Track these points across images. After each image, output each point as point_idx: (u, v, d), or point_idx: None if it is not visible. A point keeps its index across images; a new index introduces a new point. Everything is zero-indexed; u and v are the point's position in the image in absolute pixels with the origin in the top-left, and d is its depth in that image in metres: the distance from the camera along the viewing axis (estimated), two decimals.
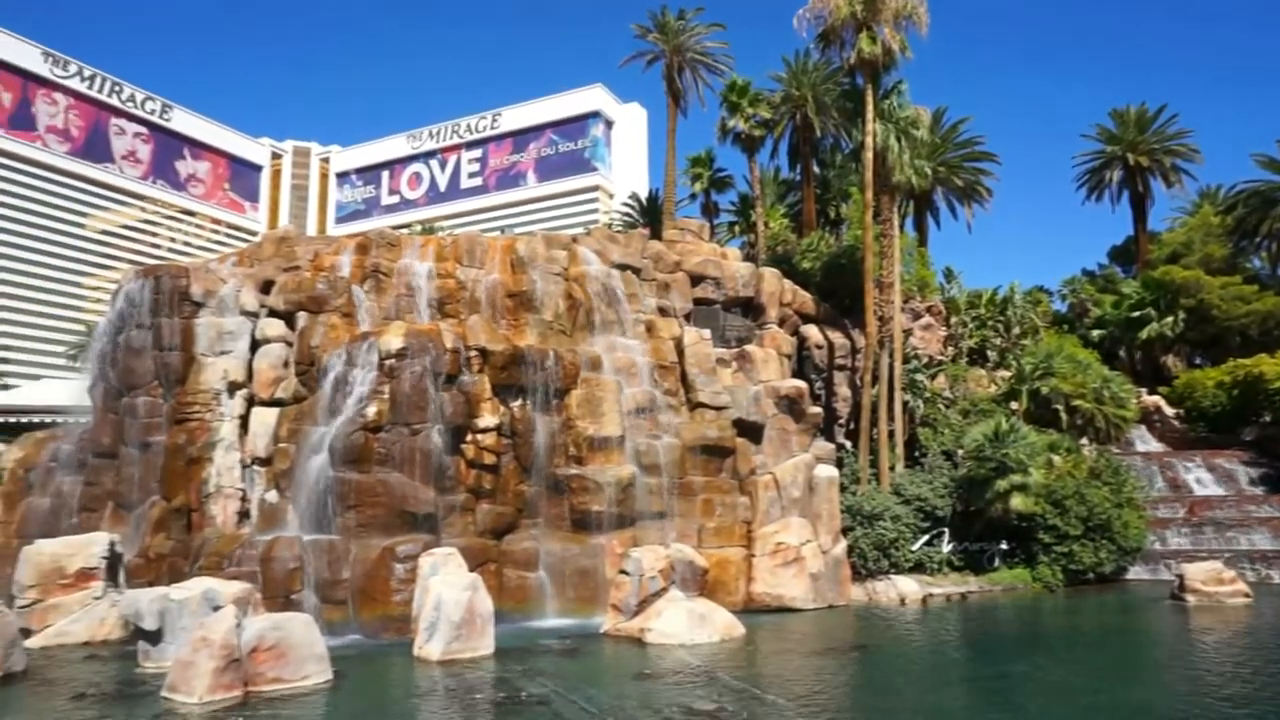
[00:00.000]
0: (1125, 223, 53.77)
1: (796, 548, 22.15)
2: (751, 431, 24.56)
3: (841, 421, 29.99)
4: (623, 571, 18.68)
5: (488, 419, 21.03)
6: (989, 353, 37.26)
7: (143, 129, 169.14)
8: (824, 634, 19.66)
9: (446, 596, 15.80)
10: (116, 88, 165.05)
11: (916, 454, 29.63)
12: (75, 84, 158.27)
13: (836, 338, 30.34)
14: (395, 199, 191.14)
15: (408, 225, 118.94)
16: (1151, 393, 39.03)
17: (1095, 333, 44.56)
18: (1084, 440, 30.37)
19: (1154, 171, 49.76)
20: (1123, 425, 31.42)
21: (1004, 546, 26.56)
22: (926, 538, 25.89)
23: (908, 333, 31.81)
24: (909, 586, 24.30)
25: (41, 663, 15.65)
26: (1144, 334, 42.35)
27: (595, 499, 21.03)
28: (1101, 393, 30.88)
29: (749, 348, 26.87)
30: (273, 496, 21.24)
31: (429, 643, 15.69)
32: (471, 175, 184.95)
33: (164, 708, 12.36)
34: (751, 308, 28.65)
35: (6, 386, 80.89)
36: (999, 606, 23.90)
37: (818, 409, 27.46)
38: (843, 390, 30.06)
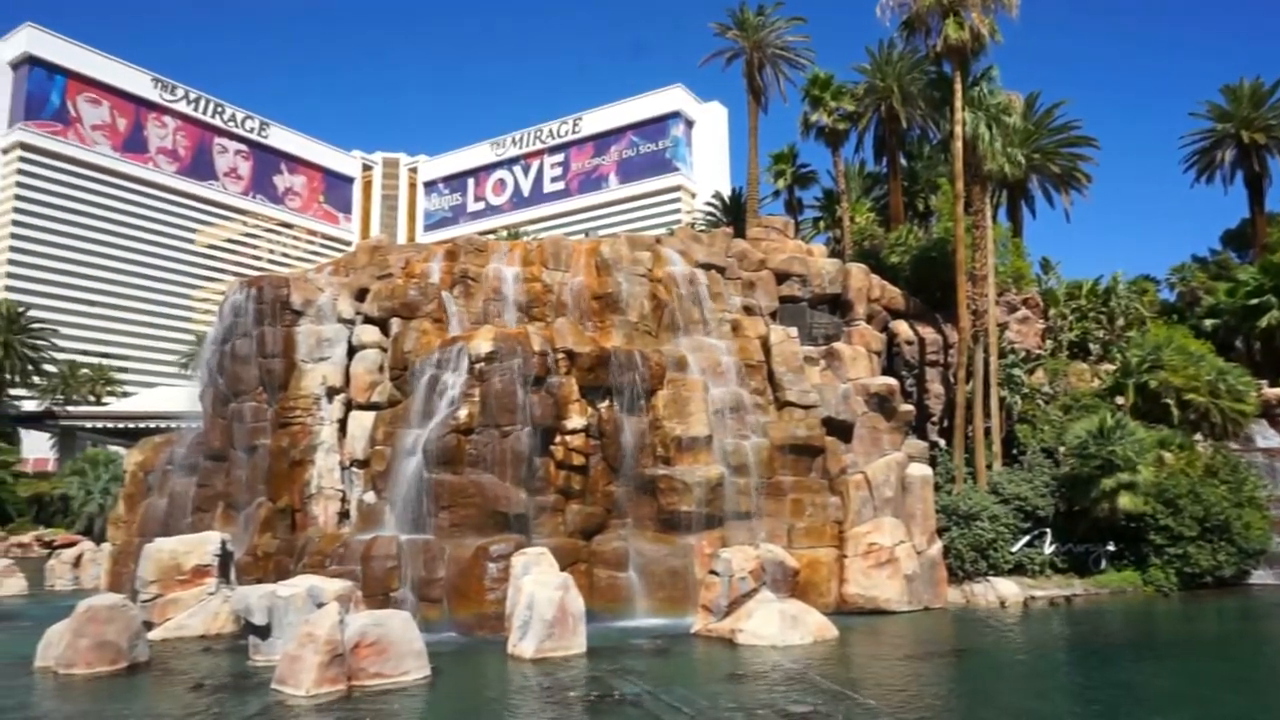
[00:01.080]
0: (1239, 205, 50.59)
1: (890, 548, 21.65)
2: (841, 430, 24.14)
3: (934, 419, 29.17)
4: (712, 572, 18.58)
5: (575, 420, 21.24)
6: (1091, 346, 35.67)
7: (243, 146, 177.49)
8: (920, 637, 19.17)
9: (539, 595, 16.01)
10: (219, 109, 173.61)
11: (1015, 452, 28.60)
12: (182, 107, 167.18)
13: (928, 333, 29.53)
14: (480, 205, 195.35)
15: (493, 231, 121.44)
16: (1273, 385, 36.67)
17: (1208, 322, 42.09)
18: (1198, 436, 28.78)
19: (1271, 149, 46.71)
20: (1241, 420, 29.63)
21: (1111, 548, 25.38)
22: (1027, 538, 24.96)
23: (1003, 326, 30.72)
24: (1009, 589, 23.46)
25: (163, 653, 16.53)
26: (1263, 322, 39.74)
27: (684, 499, 21.00)
28: (1217, 385, 29.22)
29: (837, 345, 26.41)
30: (370, 497, 21.91)
31: (522, 641, 15.92)
32: (554, 179, 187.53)
33: (274, 699, 12.88)
34: (839, 304, 28.14)
35: (126, 394, 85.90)
36: (1107, 611, 22.85)
37: (909, 406, 26.80)
38: (935, 387, 29.24)
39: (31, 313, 76.74)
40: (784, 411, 23.78)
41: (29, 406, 76.38)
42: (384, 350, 23.59)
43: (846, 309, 28.17)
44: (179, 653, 16.97)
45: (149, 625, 17.48)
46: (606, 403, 21.97)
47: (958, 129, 27.79)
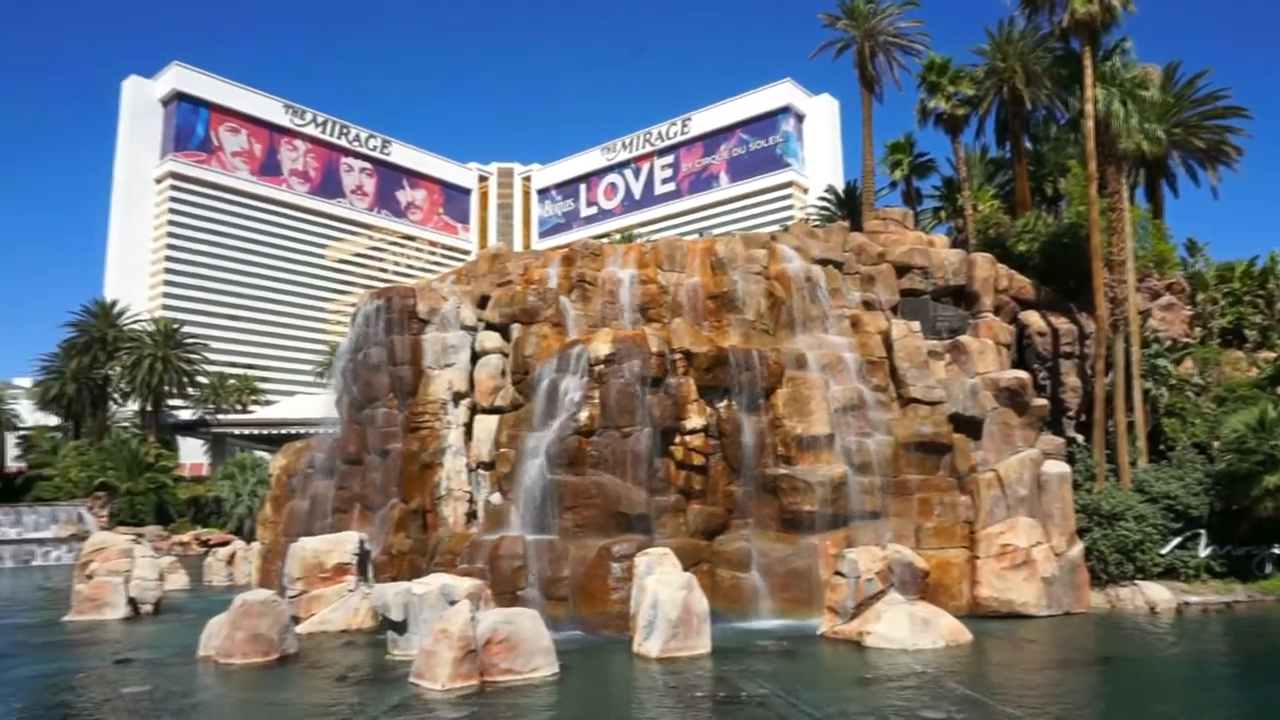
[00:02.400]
0: None
1: (1025, 549, 20.66)
2: (969, 426, 23.22)
3: (1071, 413, 27.65)
4: (838, 573, 18.20)
5: (695, 420, 21.22)
6: (1247, 332, 32.98)
7: (367, 164, 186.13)
8: (1061, 642, 18.22)
9: (663, 595, 16.07)
10: (344, 129, 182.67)
11: (1161, 447, 26.78)
12: (311, 130, 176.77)
13: (1061, 323, 28.04)
14: (593, 210, 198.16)
15: (606, 235, 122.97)
16: None
17: None
18: None
19: None
20: None
21: (1277, 551, 23.43)
22: (1178, 540, 23.32)
23: (1145, 314, 28.84)
24: (1159, 594, 21.98)
25: (309, 646, 17.47)
26: None
27: (806, 499, 20.66)
28: None
29: (963, 338, 25.42)
30: (497, 498, 22.54)
31: (647, 640, 16.01)
32: (664, 181, 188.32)
33: (412, 693, 13.40)
34: (963, 296, 27.08)
35: (269, 402, 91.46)
36: (1274, 619, 21.10)
37: (1043, 401, 25.51)
38: (1071, 380, 27.73)
39: (185, 329, 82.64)
40: (908, 408, 23.07)
41: (185, 416, 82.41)
42: (506, 355, 24.23)
43: (972, 301, 27.08)
44: (323, 646, 17.89)
45: (296, 619, 18.47)
46: (725, 402, 21.86)
47: (1088, 107, 26.28)
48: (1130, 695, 14.00)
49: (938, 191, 46.39)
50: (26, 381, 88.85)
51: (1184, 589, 22.60)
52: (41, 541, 53.41)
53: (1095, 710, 13.26)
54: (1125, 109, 26.40)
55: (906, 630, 16.77)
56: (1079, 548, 22.22)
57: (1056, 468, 22.84)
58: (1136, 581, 22.56)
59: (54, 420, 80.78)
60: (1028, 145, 41.36)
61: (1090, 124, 26.35)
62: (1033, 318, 27.97)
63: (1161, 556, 23.01)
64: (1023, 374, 24.89)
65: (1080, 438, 27.05)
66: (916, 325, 24.75)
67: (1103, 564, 22.71)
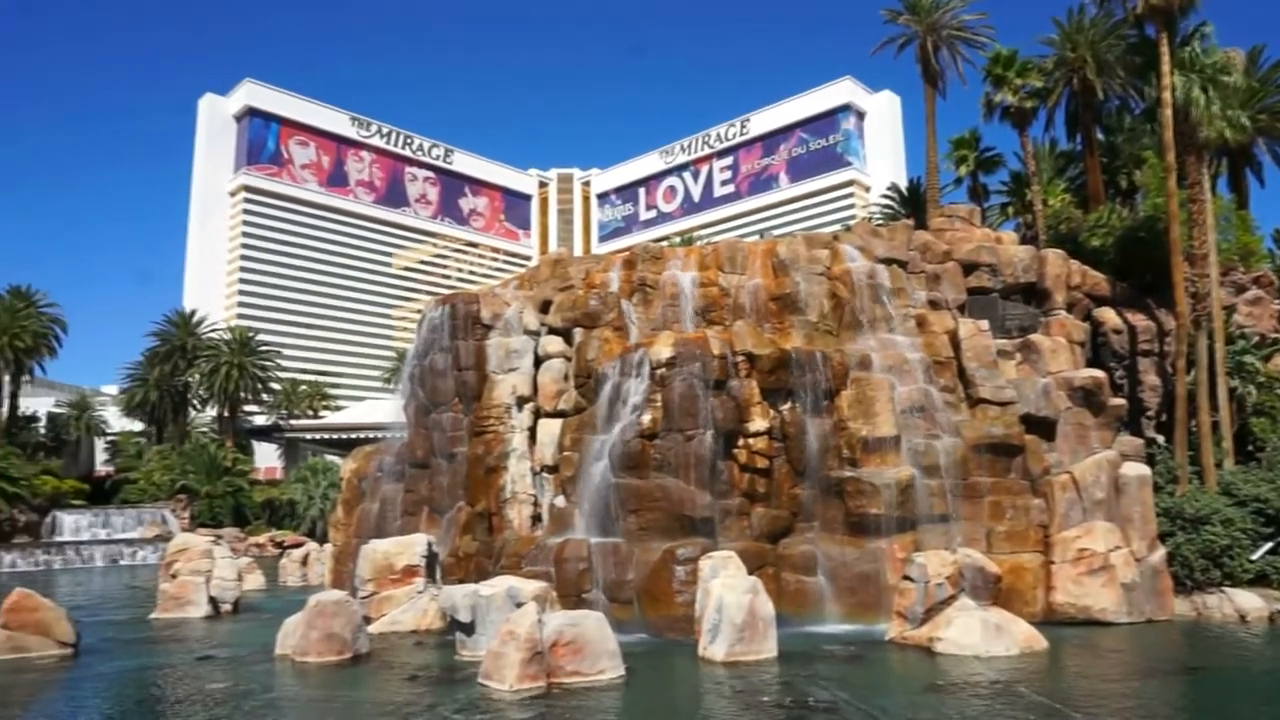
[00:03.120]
0: None
1: (1104, 554, 19.97)
2: (1042, 427, 22.56)
3: (1150, 413, 26.66)
4: (906, 577, 17.86)
5: (758, 423, 21.07)
6: None
7: (430, 173, 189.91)
8: (1144, 651, 17.57)
9: (728, 599, 15.98)
10: (408, 140, 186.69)
11: (1250, 448, 25.64)
12: (376, 141, 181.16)
13: (1139, 320, 27.06)
14: (652, 213, 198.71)
15: (665, 238, 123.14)
16: None
17: None
18: None
19: None
20: None
21: None
22: (1270, 545, 22.27)
23: (1230, 309, 27.66)
24: (1250, 602, 21.01)
25: (380, 646, 17.84)
26: None
27: (873, 502, 20.33)
28: None
29: (1034, 337, 24.72)
30: (561, 501, 22.70)
31: (713, 644, 15.95)
32: (724, 183, 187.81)
33: (480, 693, 13.58)
34: (1034, 294, 26.35)
35: (338, 408, 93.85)
36: None
37: (1120, 400, 24.65)
38: (1150, 378, 26.74)
39: (259, 337, 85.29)
40: (977, 409, 22.53)
41: (259, 421, 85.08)
42: (568, 359, 24.40)
43: (1043, 298, 26.32)
44: (394, 646, 18.25)
45: (367, 620, 18.86)
46: (789, 404, 21.65)
47: (1166, 95, 25.32)
48: (1220, 706, 13.43)
49: (1005, 187, 45.23)
50: (113, 389, 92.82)
51: (1277, 596, 21.57)
52: (129, 542, 55.65)
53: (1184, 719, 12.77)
54: (1206, 96, 25.36)
55: (979, 636, 16.37)
56: (1161, 553, 21.39)
57: (1136, 470, 22.04)
58: (1224, 588, 21.60)
59: (138, 426, 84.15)
60: (1100, 137, 40.04)
61: (1168, 113, 25.39)
62: (1108, 315, 27.05)
63: (1251, 562, 22.00)
64: (1098, 373, 24.09)
65: (1161, 439, 26.07)
66: (985, 324, 24.16)
67: (1187, 570, 21.80)
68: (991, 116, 39.02)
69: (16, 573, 46.96)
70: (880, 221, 44.28)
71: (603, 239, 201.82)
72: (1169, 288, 25.40)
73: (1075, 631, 18.87)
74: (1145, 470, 22.30)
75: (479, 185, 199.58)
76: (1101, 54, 35.63)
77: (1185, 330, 24.96)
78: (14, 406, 73.44)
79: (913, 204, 46.72)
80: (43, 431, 77.75)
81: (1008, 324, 25.50)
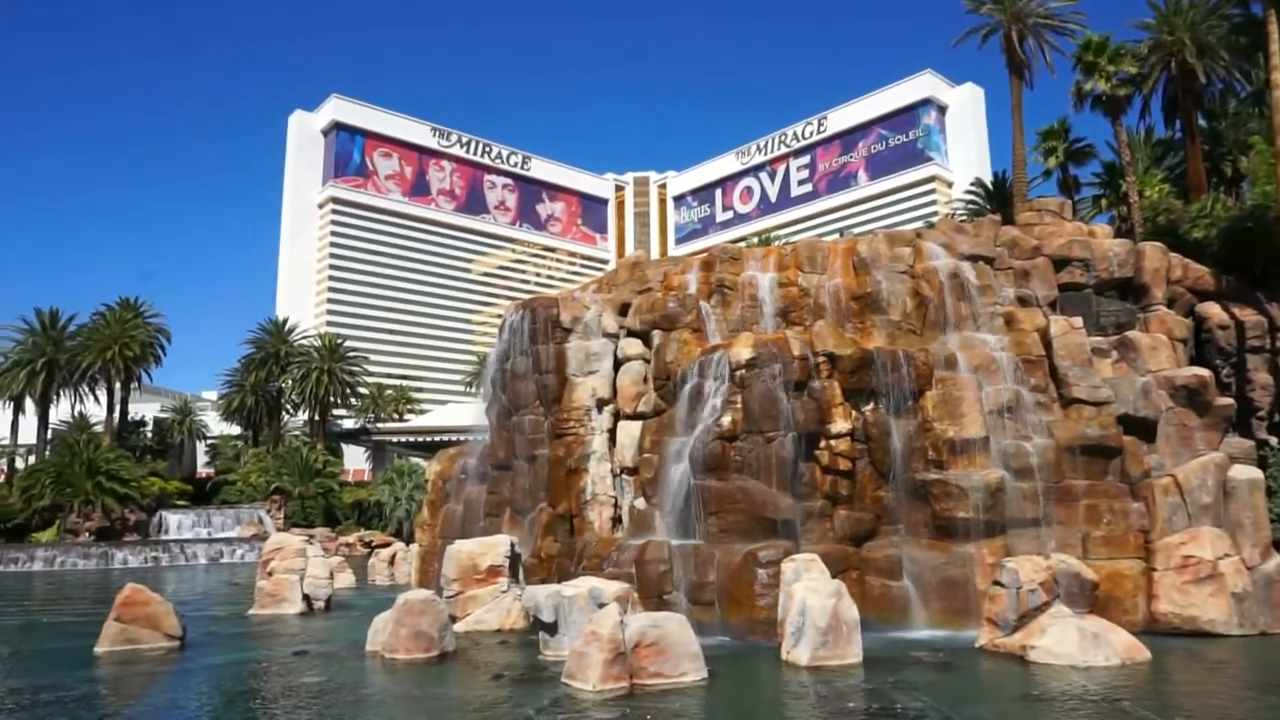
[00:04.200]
0: None
1: (1211, 562, 18.95)
2: (1141, 428, 21.59)
3: (1261, 414, 25.22)
4: (997, 583, 17.28)
5: (840, 424, 20.73)
6: None
7: (509, 180, 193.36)
8: (1257, 665, 16.58)
9: (811, 602, 15.76)
10: (486, 148, 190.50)
11: None
12: (456, 150, 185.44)
13: (1247, 315, 25.64)
14: (729, 215, 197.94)
15: (742, 239, 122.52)
16: None
17: None
18: None
19: None
20: None
21: None
22: None
23: None
24: None
25: (465, 645, 18.18)
26: None
27: (960, 505, 19.78)
28: None
29: (1131, 334, 23.69)
30: (641, 503, 22.77)
31: (796, 648, 15.74)
32: (801, 182, 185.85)
33: (564, 692, 13.70)
34: (1131, 289, 25.25)
35: (423, 411, 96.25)
36: None
37: (1227, 400, 23.39)
38: (1260, 376, 25.30)
39: (347, 343, 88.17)
40: (1071, 409, 21.69)
41: (347, 424, 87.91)
42: (647, 362, 24.47)
43: (1141, 293, 25.20)
44: (479, 645, 18.58)
45: (453, 618, 19.26)
46: (871, 406, 21.25)
47: (1275, 76, 24.00)
48: None
49: (1097, 179, 43.60)
50: (213, 394, 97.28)
51: None
52: (228, 540, 58.26)
53: None
54: None
55: (1075, 645, 15.72)
56: (1276, 561, 20.16)
57: (1246, 473, 20.86)
58: None
59: (236, 429, 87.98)
60: (1201, 123, 38.24)
61: (1278, 94, 24.04)
62: (1213, 310, 25.72)
63: None
64: (1202, 371, 22.92)
65: (1274, 440, 24.64)
66: (1078, 321, 23.25)
67: None
68: (1082, 106, 37.74)
69: (128, 569, 49.70)
70: (964, 217, 43.14)
71: (679, 241, 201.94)
72: None
73: (1180, 643, 17.96)
74: (1257, 473, 21.08)
75: (556, 191, 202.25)
76: (1202, 36, 34.05)
77: None
78: (124, 412, 77.71)
79: (998, 199, 45.43)
80: (149, 435, 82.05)
81: (1103, 321, 24.51)
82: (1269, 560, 20.04)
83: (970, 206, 51.81)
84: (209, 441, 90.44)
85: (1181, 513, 20.03)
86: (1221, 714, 12.90)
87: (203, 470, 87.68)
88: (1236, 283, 26.78)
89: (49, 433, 73.09)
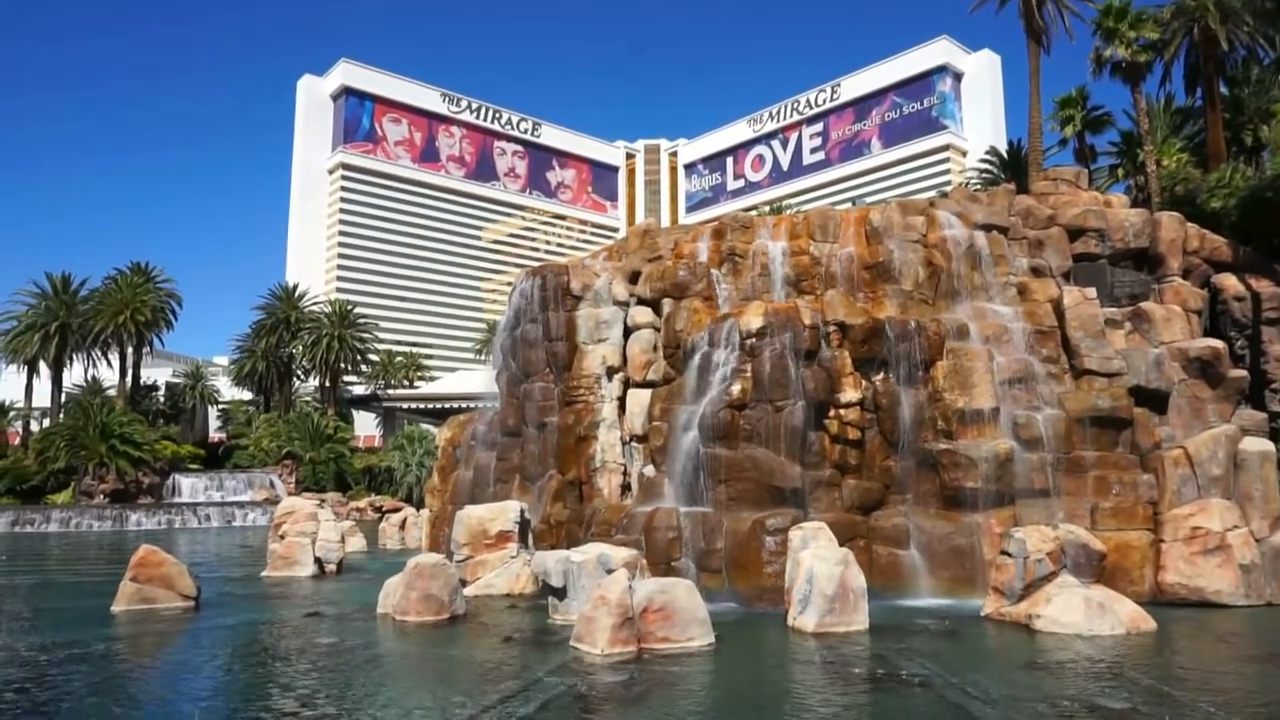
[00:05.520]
0: None
1: (1220, 534, 18.97)
2: (1153, 400, 21.50)
3: (1275, 386, 25.02)
4: (1004, 553, 17.35)
5: (850, 394, 20.71)
6: None
7: (519, 147, 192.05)
8: (1263, 636, 16.64)
9: (818, 570, 15.85)
10: (497, 114, 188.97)
11: None
12: (466, 116, 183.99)
13: (1264, 287, 25.36)
14: (740, 183, 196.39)
15: (753, 207, 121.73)
16: None
17: None
18: None
19: None
20: None
21: None
22: None
23: None
24: None
25: (475, 608, 18.40)
26: None
27: (969, 475, 19.80)
28: None
29: (1145, 305, 23.50)
30: (650, 471, 22.86)
31: (803, 615, 15.87)
32: (813, 150, 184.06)
33: (573, 655, 13.86)
34: (1146, 259, 25.01)
35: (433, 378, 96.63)
36: None
37: (1241, 372, 23.22)
38: (1275, 349, 25.07)
39: (357, 310, 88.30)
40: (1082, 380, 21.61)
41: (358, 391, 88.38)
42: (657, 330, 24.44)
43: (1156, 264, 24.96)
44: (488, 608, 18.80)
45: (463, 582, 19.47)
46: (882, 375, 21.21)
47: None
48: None
49: (1115, 148, 43.03)
50: (224, 360, 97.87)
51: None
52: (241, 504, 58.93)
53: None
54: None
55: (1081, 614, 15.81)
56: None
57: (1257, 445, 20.79)
58: None
59: (247, 395, 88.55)
60: (1223, 91, 37.57)
61: None
62: (1229, 281, 25.47)
63: None
64: (1216, 343, 22.75)
65: None
66: (1092, 292, 23.07)
67: None
68: (1101, 73, 37.15)
69: (142, 530, 50.38)
70: (978, 187, 42.70)
71: (690, 209, 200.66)
72: None
73: (1186, 613, 18.03)
74: (1268, 446, 21.01)
75: (566, 158, 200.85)
76: (1226, 0, 33.31)
77: None
78: (136, 377, 78.24)
79: (1013, 168, 44.94)
80: (162, 400, 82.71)
81: (1117, 292, 24.31)
82: (1277, 532, 20.05)
83: (985, 175, 51.28)
84: (220, 406, 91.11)
85: (1191, 484, 20.01)
86: (1225, 683, 12.97)
87: (214, 435, 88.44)
88: (1254, 254, 26.49)
89: (63, 396, 73.73)
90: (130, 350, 75.54)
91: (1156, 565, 19.48)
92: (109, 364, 76.40)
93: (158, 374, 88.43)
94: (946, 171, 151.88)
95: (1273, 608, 18.87)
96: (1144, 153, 36.87)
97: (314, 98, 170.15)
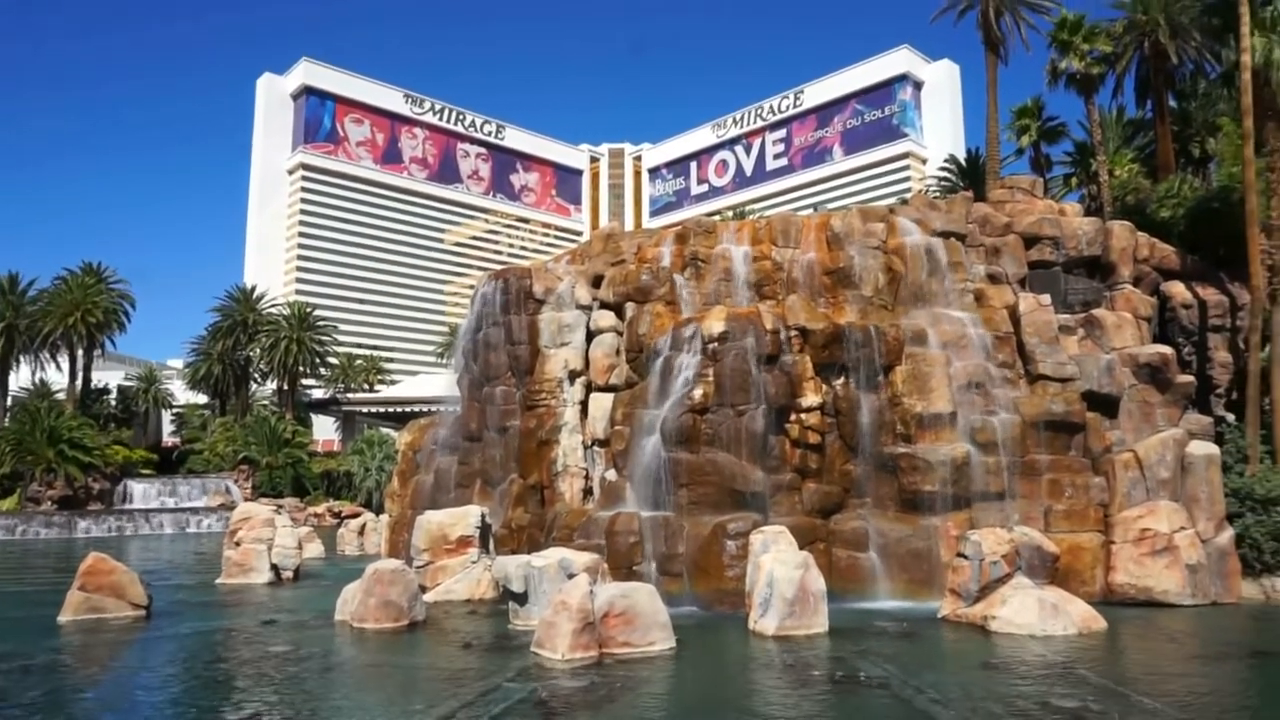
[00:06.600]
0: None
1: (1167, 535, 19.44)
2: (1104, 405, 21.99)
3: (1220, 391, 25.74)
4: (960, 555, 17.61)
5: (810, 398, 20.90)
6: None
7: (482, 149, 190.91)
8: (1208, 634, 17.10)
9: (779, 574, 15.96)
10: (460, 116, 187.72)
11: None
12: (429, 118, 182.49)
13: (1210, 294, 26.08)
14: (704, 188, 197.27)
15: (717, 212, 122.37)
16: None
17: None
18: None
19: None
20: None
21: None
22: None
23: None
24: None
25: (435, 614, 18.24)
26: None
27: (927, 479, 20.07)
28: None
29: (1097, 312, 24.02)
30: (612, 475, 22.85)
31: (763, 618, 15.96)
32: (776, 156, 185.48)
33: (533, 661, 13.80)
34: (1098, 267, 25.55)
35: (393, 381, 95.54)
36: None
37: (1188, 377, 23.84)
38: (1220, 355, 25.79)
39: (317, 312, 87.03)
40: (1037, 385, 22.03)
41: (317, 394, 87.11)
42: (620, 334, 24.46)
43: (1108, 272, 25.52)
44: (448, 614, 18.64)
45: (423, 588, 19.28)
46: (842, 380, 21.42)
47: (1245, 58, 24.17)
48: None
49: (1069, 157, 43.92)
50: (179, 363, 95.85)
51: None
52: (195, 510, 57.71)
53: (1248, 704, 12.41)
54: None
55: (1035, 615, 16.11)
56: (1228, 534, 20.75)
57: (1203, 448, 21.36)
58: None
59: (203, 399, 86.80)
60: (1172, 104, 38.55)
61: (1246, 76, 24.24)
62: (1177, 289, 26.13)
63: None
64: (1165, 349, 23.34)
65: (1231, 417, 25.17)
66: (1046, 299, 23.57)
67: (1256, 552, 21.11)
68: (1056, 84, 37.82)
69: (91, 538, 49.10)
70: (937, 194, 43.37)
71: (653, 214, 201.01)
72: (1243, 261, 24.39)
73: (1135, 613, 18.46)
74: (1213, 449, 21.60)
75: (530, 161, 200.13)
76: (1175, 16, 34.28)
77: (1260, 304, 23.99)
78: (87, 380, 76.30)
79: (971, 176, 45.67)
80: (113, 403, 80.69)
81: (1070, 299, 24.81)
82: (1222, 533, 20.61)
83: (944, 183, 52.05)
84: (175, 410, 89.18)
85: (1140, 487, 20.49)
86: (1170, 680, 13.30)
87: (168, 439, 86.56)
88: (1201, 262, 27.20)
89: (9, 399, 71.67)
90: (80, 352, 73.67)
91: (1107, 566, 19.92)
92: (58, 366, 74.42)
93: (109, 377, 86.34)
94: (907, 179, 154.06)
95: (1218, 607, 19.40)
96: (1097, 163, 37.72)
97: (274, 97, 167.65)
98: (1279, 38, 24.33)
